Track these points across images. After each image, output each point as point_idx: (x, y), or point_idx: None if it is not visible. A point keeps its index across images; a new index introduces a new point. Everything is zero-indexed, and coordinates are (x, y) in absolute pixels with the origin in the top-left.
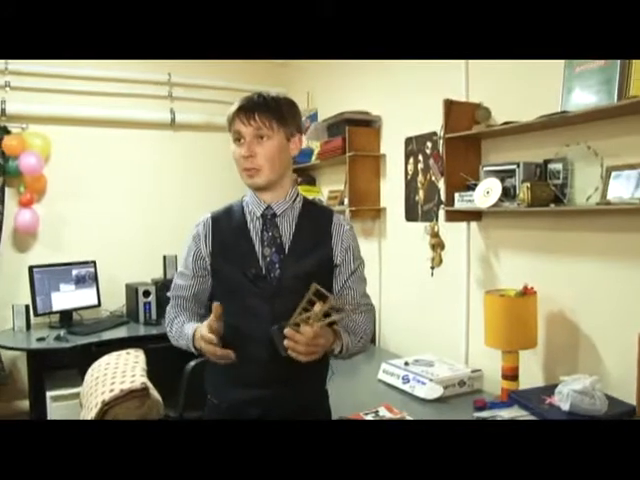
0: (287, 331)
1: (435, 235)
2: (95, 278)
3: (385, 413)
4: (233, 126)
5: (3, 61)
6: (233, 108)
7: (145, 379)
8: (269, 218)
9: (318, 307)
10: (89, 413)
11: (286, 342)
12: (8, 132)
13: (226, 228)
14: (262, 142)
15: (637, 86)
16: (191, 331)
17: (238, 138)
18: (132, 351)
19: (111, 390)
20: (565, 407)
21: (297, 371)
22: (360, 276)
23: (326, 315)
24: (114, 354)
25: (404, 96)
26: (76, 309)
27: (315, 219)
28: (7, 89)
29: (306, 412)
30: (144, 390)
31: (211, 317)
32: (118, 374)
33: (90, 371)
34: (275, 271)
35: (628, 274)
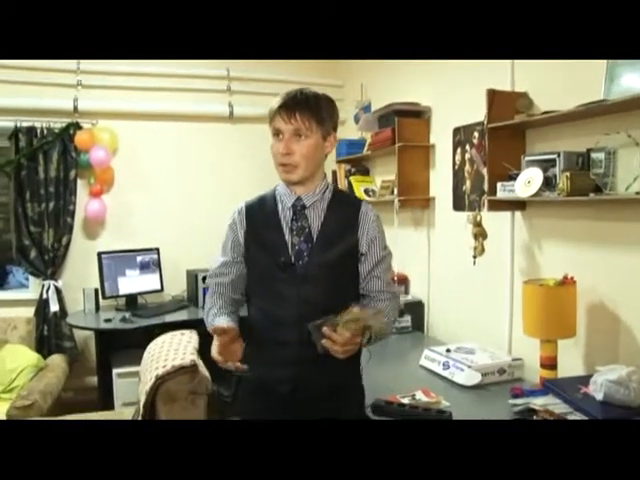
0: (325, 330)
1: (477, 224)
2: (158, 264)
3: (421, 397)
4: (274, 122)
5: (75, 61)
6: (275, 104)
7: (195, 357)
8: (299, 209)
9: (354, 324)
10: (145, 387)
11: (324, 341)
12: (80, 128)
13: (259, 216)
14: (300, 140)
15: None
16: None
17: (277, 134)
18: (186, 332)
19: (164, 366)
20: (599, 397)
21: (326, 352)
22: (386, 266)
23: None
24: (169, 334)
25: (453, 86)
26: (141, 293)
27: (343, 209)
28: (79, 87)
29: (336, 391)
30: (193, 367)
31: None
32: (171, 352)
33: (148, 349)
34: (303, 259)
35: None
